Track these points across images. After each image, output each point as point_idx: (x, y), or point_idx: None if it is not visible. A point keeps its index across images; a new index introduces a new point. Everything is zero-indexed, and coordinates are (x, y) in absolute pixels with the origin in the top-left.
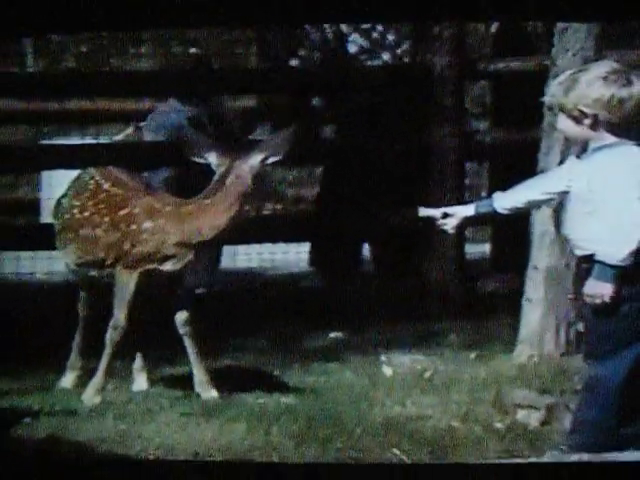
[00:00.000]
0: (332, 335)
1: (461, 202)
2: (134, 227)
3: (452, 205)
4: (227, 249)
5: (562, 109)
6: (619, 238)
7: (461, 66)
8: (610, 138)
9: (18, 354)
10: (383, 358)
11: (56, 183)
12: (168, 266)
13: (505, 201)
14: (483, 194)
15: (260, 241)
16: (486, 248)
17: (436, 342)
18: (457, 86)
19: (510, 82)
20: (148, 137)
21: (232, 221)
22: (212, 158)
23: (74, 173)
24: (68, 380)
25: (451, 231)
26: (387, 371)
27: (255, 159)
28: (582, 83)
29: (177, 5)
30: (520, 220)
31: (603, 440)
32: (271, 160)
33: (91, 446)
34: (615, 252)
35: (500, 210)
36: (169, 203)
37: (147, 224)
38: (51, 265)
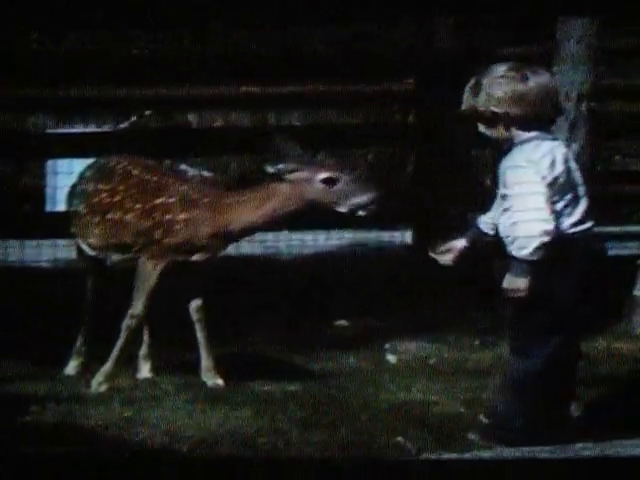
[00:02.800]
0: (337, 323)
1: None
2: (169, 217)
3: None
4: None
5: (477, 113)
6: (524, 233)
7: (466, 53)
8: (526, 134)
9: (24, 341)
10: (387, 346)
11: (62, 171)
12: (196, 257)
13: (487, 219)
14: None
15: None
16: None
17: (441, 329)
18: (462, 73)
19: None
20: None
21: (263, 222)
22: (290, 166)
23: (79, 161)
24: (72, 367)
25: (452, 264)
26: (391, 359)
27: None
28: (485, 85)
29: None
30: None
31: (527, 435)
32: (343, 207)
33: (97, 433)
34: (522, 247)
35: (486, 230)
36: (207, 194)
37: (183, 215)
38: (56, 253)
